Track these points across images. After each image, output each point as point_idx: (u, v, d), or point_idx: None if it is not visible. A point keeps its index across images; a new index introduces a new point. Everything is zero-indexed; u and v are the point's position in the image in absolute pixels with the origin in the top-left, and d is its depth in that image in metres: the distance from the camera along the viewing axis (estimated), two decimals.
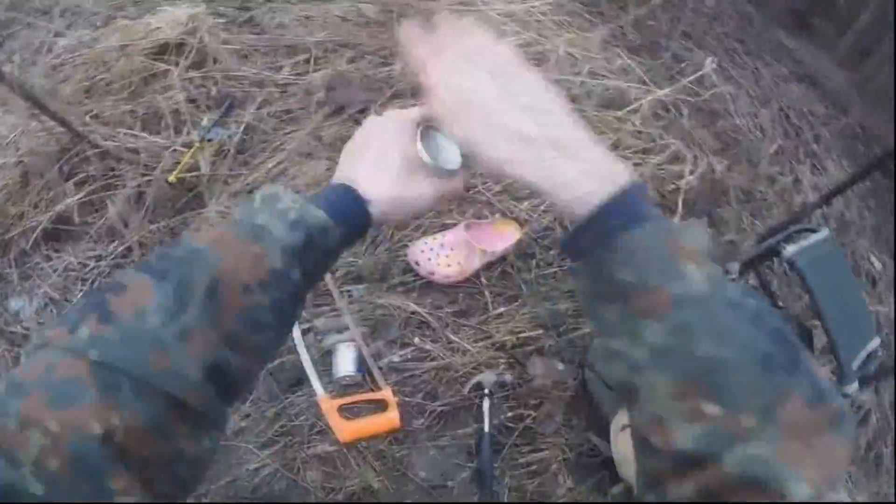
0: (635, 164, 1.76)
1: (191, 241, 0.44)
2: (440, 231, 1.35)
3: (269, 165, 1.36)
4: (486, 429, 1.22)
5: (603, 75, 1.80)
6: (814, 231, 1.38)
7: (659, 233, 0.36)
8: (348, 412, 1.21)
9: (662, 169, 1.82)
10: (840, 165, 2.26)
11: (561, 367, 1.36)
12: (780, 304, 1.55)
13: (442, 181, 0.54)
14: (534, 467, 1.24)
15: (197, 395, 0.39)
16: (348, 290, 1.29)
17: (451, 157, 0.54)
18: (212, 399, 0.40)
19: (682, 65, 2.17)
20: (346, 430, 1.18)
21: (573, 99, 1.72)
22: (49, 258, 1.39)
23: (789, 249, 1.30)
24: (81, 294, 1.37)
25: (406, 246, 1.33)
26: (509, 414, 1.27)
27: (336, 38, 1.58)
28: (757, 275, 1.60)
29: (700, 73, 1.86)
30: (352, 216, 0.50)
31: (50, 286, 1.38)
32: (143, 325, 0.38)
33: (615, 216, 0.38)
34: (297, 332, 1.24)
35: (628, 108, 1.76)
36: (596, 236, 0.38)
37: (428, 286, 1.32)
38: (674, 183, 1.82)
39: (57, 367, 0.35)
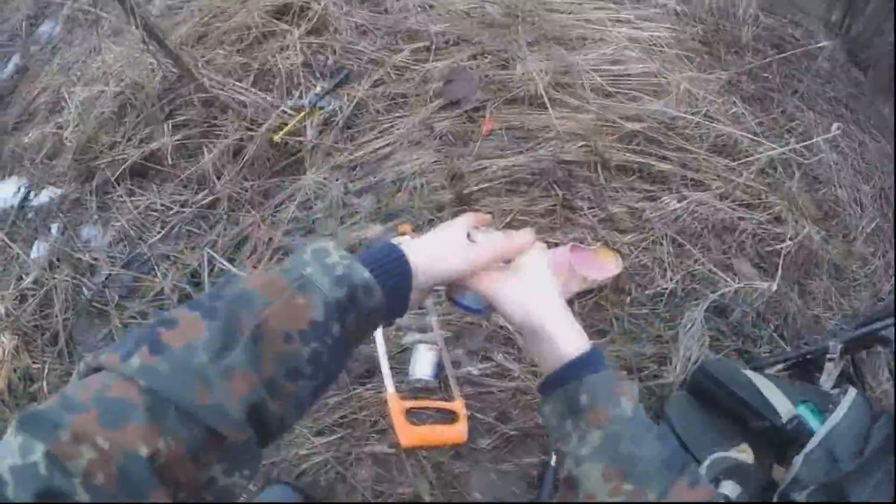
0: (739, 218, 1.67)
1: (242, 283, 0.47)
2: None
3: (376, 145, 1.30)
4: (553, 463, 1.14)
5: (718, 119, 1.72)
6: None
7: (610, 378, 0.54)
8: (415, 416, 1.13)
9: (764, 228, 1.73)
10: None
11: None
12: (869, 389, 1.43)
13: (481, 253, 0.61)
14: None
15: (237, 432, 0.41)
16: (438, 290, 1.21)
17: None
18: (250, 439, 0.43)
19: (793, 123, 2.07)
20: (409, 434, 1.10)
21: (687, 139, 1.64)
22: (132, 193, 1.35)
23: None
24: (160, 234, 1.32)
25: None
26: None
27: (458, 32, 1.52)
28: (852, 361, 1.47)
29: (824, 136, 1.77)
30: (395, 275, 0.53)
31: (127, 221, 1.35)
32: (192, 360, 0.41)
33: (587, 364, 0.55)
34: None
35: (741, 161, 1.67)
36: (574, 374, 0.54)
37: None
38: (771, 244, 1.72)
39: (110, 389, 0.39)
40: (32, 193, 1.39)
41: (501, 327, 1.21)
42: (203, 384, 0.40)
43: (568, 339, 0.56)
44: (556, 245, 1.27)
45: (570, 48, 1.62)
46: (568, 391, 0.54)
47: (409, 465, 1.11)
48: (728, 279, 1.58)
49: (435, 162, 1.30)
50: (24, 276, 1.29)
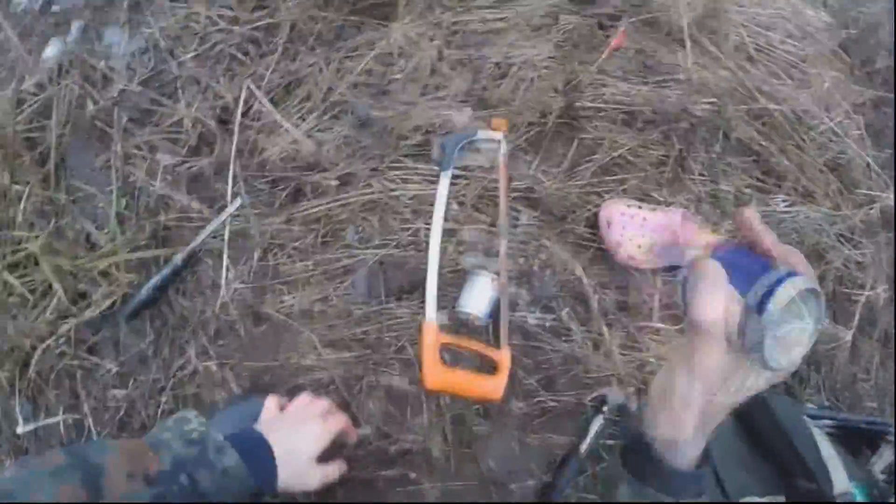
0: (832, 248, 1.48)
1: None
2: (644, 200, 1.04)
3: (489, 16, 1.04)
4: (582, 449, 0.95)
5: (844, 136, 1.50)
6: None
7: None
8: (449, 355, 0.91)
9: (847, 268, 1.54)
10: None
11: None
12: None
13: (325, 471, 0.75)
14: None
15: None
16: (517, 211, 0.98)
17: None
18: None
19: None
20: (437, 375, 0.89)
21: (811, 141, 1.43)
22: None
23: None
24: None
25: (601, 198, 1.03)
26: (608, 441, 0.99)
27: None
28: None
29: None
30: (250, 442, 0.65)
31: (160, 30, 1.08)
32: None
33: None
34: (437, 225, 0.93)
35: (851, 189, 1.49)
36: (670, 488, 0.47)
37: (602, 255, 1.02)
38: (848, 288, 1.55)
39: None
40: None
41: (576, 279, 0.98)
42: None
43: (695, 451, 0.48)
44: (661, 204, 1.06)
45: None
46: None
47: (426, 411, 0.90)
48: None
49: (550, 58, 1.06)
50: (26, 76, 1.05)
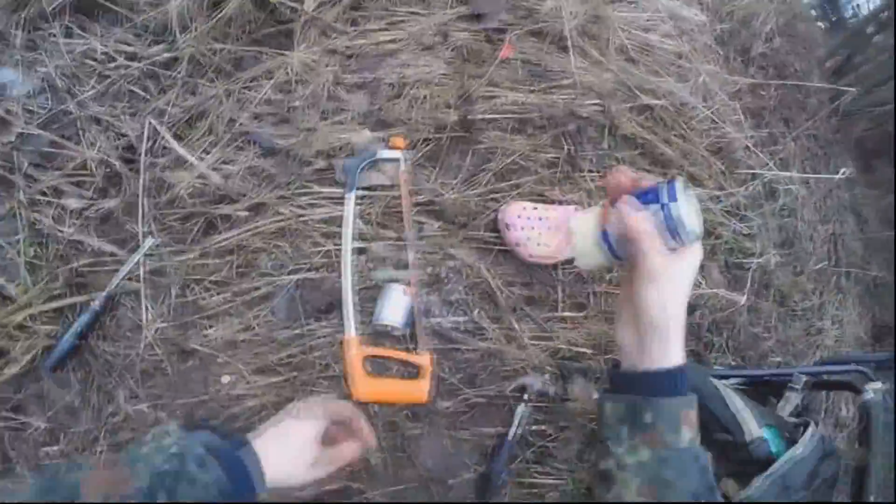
0: (720, 223, 1.62)
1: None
2: (539, 201, 1.13)
3: (381, 38, 1.10)
4: (510, 437, 1.04)
5: (723, 122, 1.65)
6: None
7: (680, 405, 0.54)
8: (374, 366, 0.97)
9: (736, 240, 1.70)
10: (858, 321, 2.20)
11: (596, 395, 1.18)
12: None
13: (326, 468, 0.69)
14: (535, 490, 1.08)
15: None
16: (421, 223, 1.04)
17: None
18: None
19: (777, 146, 2.06)
20: (365, 387, 0.95)
21: (692, 130, 1.56)
22: (70, 33, 1.07)
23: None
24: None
25: (499, 202, 1.10)
26: (534, 427, 1.08)
27: None
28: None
29: (830, 175, 1.78)
30: (237, 459, 0.58)
31: (56, 69, 1.07)
32: None
33: (667, 383, 0.53)
34: (347, 245, 0.98)
35: (734, 170, 1.64)
36: (646, 388, 0.54)
37: (506, 255, 1.10)
38: (739, 257, 1.71)
39: None
40: None
41: (482, 280, 1.06)
42: None
43: (668, 350, 0.54)
44: (554, 202, 1.15)
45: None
46: (636, 405, 0.54)
47: None
48: (701, 281, 1.55)
49: (444, 75, 1.12)
50: None
